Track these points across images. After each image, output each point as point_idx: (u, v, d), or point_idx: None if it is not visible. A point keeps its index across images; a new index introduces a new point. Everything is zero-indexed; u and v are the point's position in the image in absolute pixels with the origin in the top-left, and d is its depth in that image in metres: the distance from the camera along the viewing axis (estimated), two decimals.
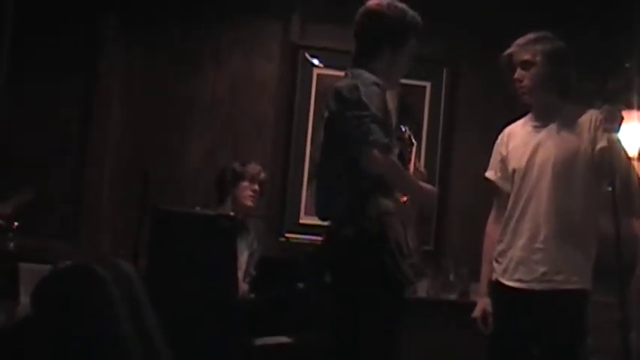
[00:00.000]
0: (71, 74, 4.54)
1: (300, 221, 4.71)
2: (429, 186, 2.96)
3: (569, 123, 2.95)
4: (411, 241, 2.76)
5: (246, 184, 4.07)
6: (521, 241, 2.93)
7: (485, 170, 3.18)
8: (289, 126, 4.78)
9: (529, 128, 3.04)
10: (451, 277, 4.69)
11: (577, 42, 3.10)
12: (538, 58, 2.95)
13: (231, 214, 3.89)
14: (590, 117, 2.93)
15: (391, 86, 2.95)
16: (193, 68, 4.77)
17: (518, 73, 2.99)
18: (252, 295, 3.96)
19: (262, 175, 4.15)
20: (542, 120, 3.00)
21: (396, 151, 2.80)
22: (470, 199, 4.71)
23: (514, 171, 3.01)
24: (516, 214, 2.96)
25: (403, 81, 3.06)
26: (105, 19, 4.61)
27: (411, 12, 2.90)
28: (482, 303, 3.06)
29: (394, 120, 2.90)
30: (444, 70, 4.93)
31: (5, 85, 3.48)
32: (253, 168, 4.13)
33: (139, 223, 3.73)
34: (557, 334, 2.86)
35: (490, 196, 3.20)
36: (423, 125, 4.86)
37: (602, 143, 2.86)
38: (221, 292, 3.36)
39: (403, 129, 2.94)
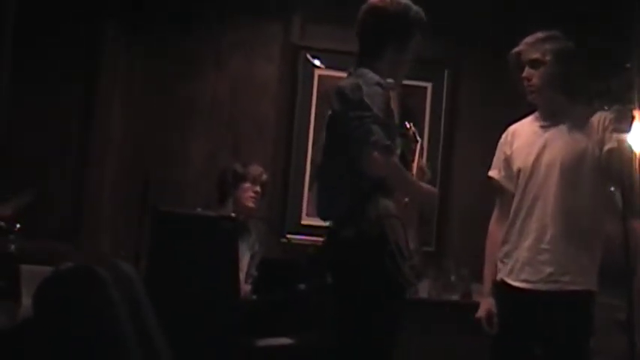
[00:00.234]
0: (72, 75, 4.53)
1: (302, 222, 4.71)
2: (429, 187, 2.95)
3: (576, 123, 2.93)
4: (412, 243, 2.75)
5: (247, 185, 4.07)
6: (527, 242, 2.91)
7: (486, 171, 3.16)
8: (290, 127, 4.78)
9: (535, 128, 3.02)
10: (452, 277, 4.69)
11: (577, 41, 3.09)
12: (548, 58, 2.92)
13: (233, 215, 3.89)
14: (598, 118, 2.91)
15: (398, 82, 2.93)
16: (194, 69, 4.77)
17: (527, 71, 2.96)
18: (254, 296, 3.96)
19: (264, 176, 4.14)
20: (549, 120, 2.98)
21: (398, 152, 2.80)
22: (471, 199, 4.71)
23: (519, 170, 2.98)
24: (522, 215, 2.95)
25: (404, 82, 3.05)
26: (106, 19, 4.61)
27: (414, 7, 2.87)
28: (487, 303, 3.03)
29: (397, 120, 2.88)
30: (446, 71, 4.93)
31: (7, 85, 3.47)
32: (255, 169, 4.12)
33: (139, 224, 3.73)
34: (563, 335, 2.85)
35: (491, 196, 3.19)
36: (425, 126, 4.85)
37: (610, 144, 2.85)
38: (222, 294, 3.35)
39: (407, 125, 2.91)
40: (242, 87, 4.80)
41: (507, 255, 2.97)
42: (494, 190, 3.14)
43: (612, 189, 2.84)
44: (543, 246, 2.88)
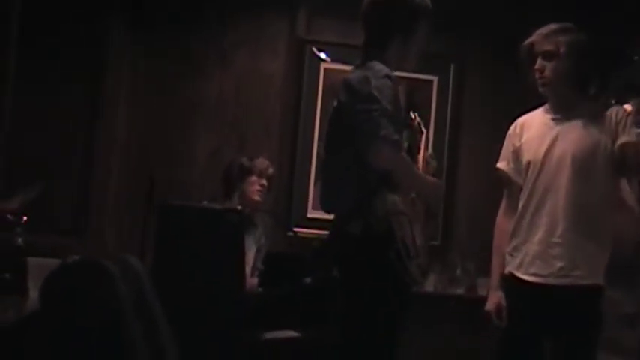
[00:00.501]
0: (77, 75, 4.54)
1: (308, 216, 4.72)
2: (436, 180, 2.93)
3: (589, 117, 2.89)
4: (419, 239, 2.73)
5: (254, 179, 4.07)
6: (537, 235, 2.87)
7: (493, 165, 3.12)
8: (296, 121, 4.78)
9: (546, 120, 2.97)
10: (458, 271, 4.69)
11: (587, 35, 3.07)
12: (562, 50, 2.87)
13: (239, 208, 3.89)
14: (611, 112, 2.88)
15: (409, 69, 2.90)
16: (199, 67, 4.77)
17: (539, 63, 2.91)
18: (260, 290, 3.98)
19: (270, 170, 4.15)
20: (561, 113, 2.94)
21: (405, 145, 2.78)
22: (477, 193, 4.71)
23: (529, 163, 2.94)
24: (532, 208, 2.91)
25: (410, 75, 3.04)
26: (110, 19, 4.61)
27: None
28: (496, 296, 2.99)
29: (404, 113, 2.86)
30: (452, 65, 4.92)
31: (12, 85, 3.48)
32: (261, 163, 4.13)
33: (144, 223, 3.74)
34: (574, 329, 2.83)
35: (497, 190, 3.16)
36: (431, 120, 4.85)
37: (623, 139, 2.82)
38: (228, 287, 3.35)
39: (413, 116, 2.86)
40: (248, 82, 4.80)
41: (516, 248, 2.94)
42: (501, 182, 3.10)
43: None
44: (554, 239, 2.84)
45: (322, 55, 4.79)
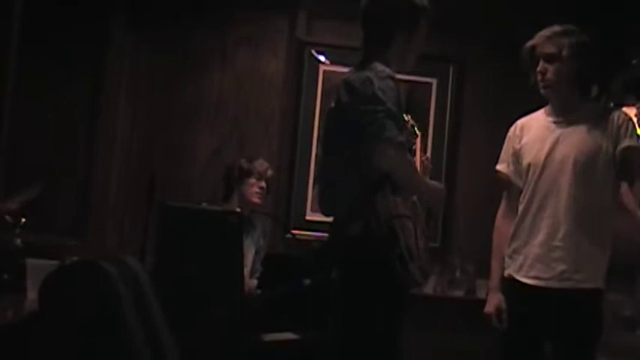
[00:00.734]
0: (79, 73, 4.55)
1: (307, 218, 4.71)
2: (438, 185, 2.92)
3: (591, 120, 2.88)
4: (421, 242, 2.72)
5: (253, 180, 4.07)
6: (538, 238, 2.87)
7: (492, 167, 3.12)
8: (295, 123, 4.78)
9: (547, 123, 2.96)
10: (457, 274, 4.69)
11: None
12: (564, 52, 2.86)
13: (238, 210, 3.89)
14: (612, 116, 2.87)
15: (409, 69, 2.88)
16: (200, 66, 4.77)
17: (542, 65, 2.90)
18: (259, 291, 3.97)
19: (269, 171, 4.15)
20: (562, 115, 2.93)
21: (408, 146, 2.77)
22: (476, 195, 4.71)
23: (529, 165, 2.93)
24: (532, 210, 2.90)
25: (409, 77, 3.02)
26: (112, 18, 4.61)
27: None
28: (496, 298, 2.99)
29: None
30: (451, 67, 4.92)
31: (13, 82, 3.48)
32: (260, 165, 4.12)
33: (145, 220, 3.73)
34: (574, 332, 2.83)
35: (496, 192, 3.16)
36: (430, 122, 4.85)
37: (625, 143, 2.82)
38: (227, 288, 3.35)
39: (406, 118, 2.80)
40: (248, 83, 4.80)
41: (516, 251, 2.93)
42: (501, 184, 3.10)
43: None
44: (556, 243, 2.84)
45: (321, 58, 4.79)
